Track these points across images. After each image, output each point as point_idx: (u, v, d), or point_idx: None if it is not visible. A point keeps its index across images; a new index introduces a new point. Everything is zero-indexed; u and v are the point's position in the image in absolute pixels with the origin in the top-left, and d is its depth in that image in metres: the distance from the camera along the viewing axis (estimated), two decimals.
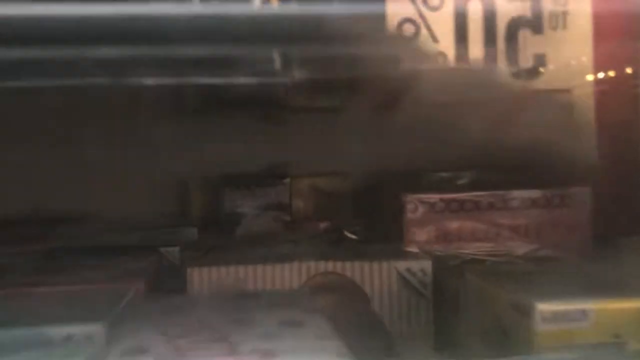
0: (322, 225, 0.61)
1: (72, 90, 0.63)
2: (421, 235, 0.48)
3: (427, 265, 0.34)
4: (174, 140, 0.67)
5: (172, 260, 0.45)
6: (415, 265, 0.34)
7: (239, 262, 0.35)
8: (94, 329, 0.23)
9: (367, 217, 0.62)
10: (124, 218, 0.63)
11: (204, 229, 0.62)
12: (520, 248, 0.45)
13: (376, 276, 0.34)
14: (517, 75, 0.54)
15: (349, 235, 0.56)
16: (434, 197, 0.49)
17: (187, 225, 0.57)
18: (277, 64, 0.57)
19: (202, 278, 0.34)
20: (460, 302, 0.33)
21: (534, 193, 0.49)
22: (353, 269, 0.34)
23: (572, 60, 0.53)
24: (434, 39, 0.50)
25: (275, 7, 0.48)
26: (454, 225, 0.49)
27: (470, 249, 0.47)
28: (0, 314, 0.25)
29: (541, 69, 0.53)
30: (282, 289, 0.32)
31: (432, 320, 0.34)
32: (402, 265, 0.34)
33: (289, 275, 0.34)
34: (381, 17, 0.50)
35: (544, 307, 0.24)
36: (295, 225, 0.62)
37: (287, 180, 0.63)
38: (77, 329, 0.23)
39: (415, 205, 0.49)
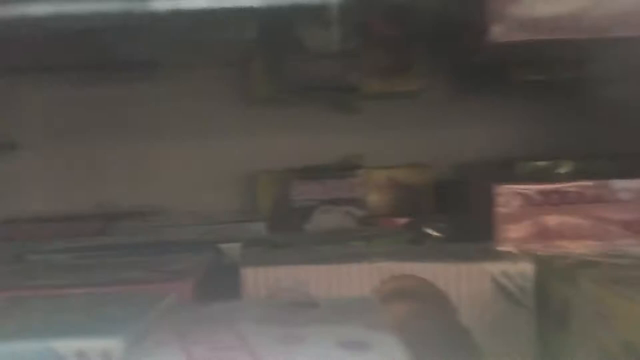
0: (401, 221, 0.56)
1: (130, 82, 0.62)
2: (516, 232, 0.42)
3: (527, 268, 0.28)
4: (242, 130, 0.63)
5: (233, 258, 0.41)
6: (513, 267, 0.28)
7: (300, 261, 0.30)
8: (111, 343, 0.19)
9: (452, 212, 0.57)
10: (189, 212, 0.60)
11: (273, 224, 0.58)
12: (636, 247, 0.38)
13: (464, 281, 0.28)
14: None
15: (431, 232, 0.50)
16: (530, 188, 0.42)
17: (254, 220, 0.53)
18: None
19: (257, 279, 0.29)
20: (570, 314, 0.26)
21: None
22: (436, 272, 0.28)
23: None
24: None
25: None
26: (553, 220, 0.42)
27: (575, 248, 0.40)
28: (14, 320, 0.21)
29: None
30: (348, 297, 0.26)
31: (534, 334, 0.28)
32: (496, 267, 0.28)
33: (357, 278, 0.28)
34: None
35: None
36: (370, 221, 0.57)
37: (361, 172, 0.57)
38: (90, 344, 0.19)
39: (509, 197, 0.43)
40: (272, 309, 0.20)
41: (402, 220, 0.56)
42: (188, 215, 0.60)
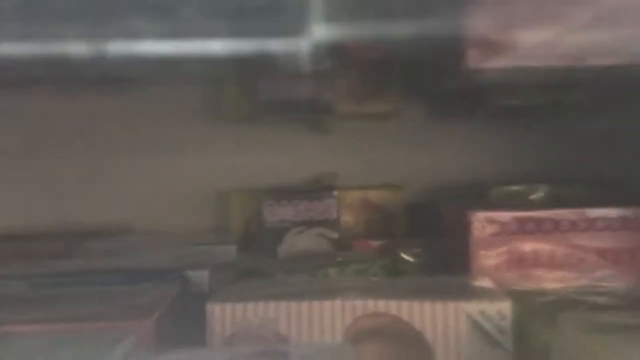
0: (375, 244, 0.55)
1: (102, 96, 0.60)
2: (490, 258, 0.41)
3: (505, 307, 0.27)
4: (214, 149, 0.62)
5: (200, 287, 0.39)
6: (490, 307, 0.27)
7: (270, 296, 0.29)
8: None
9: (426, 236, 0.56)
10: (157, 232, 0.59)
11: (244, 247, 0.56)
12: (615, 282, 0.37)
13: (440, 320, 0.27)
14: None
15: (406, 257, 0.49)
16: (505, 215, 0.42)
17: (225, 242, 0.52)
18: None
19: (224, 316, 0.28)
20: (553, 358, 0.26)
21: (626, 212, 0.42)
22: (411, 310, 0.27)
23: None
24: None
25: None
26: (528, 247, 0.42)
27: (551, 279, 0.39)
28: None
29: None
30: (319, 343, 0.25)
31: None
32: (474, 306, 0.27)
33: (330, 315, 0.27)
34: None
35: None
36: (344, 243, 0.56)
37: (335, 193, 0.56)
38: None
39: (484, 224, 0.42)
40: (237, 357, 0.19)
41: (376, 243, 0.55)
42: (156, 234, 0.58)
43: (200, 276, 0.40)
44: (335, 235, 0.56)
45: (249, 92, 0.57)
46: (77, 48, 0.44)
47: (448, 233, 0.49)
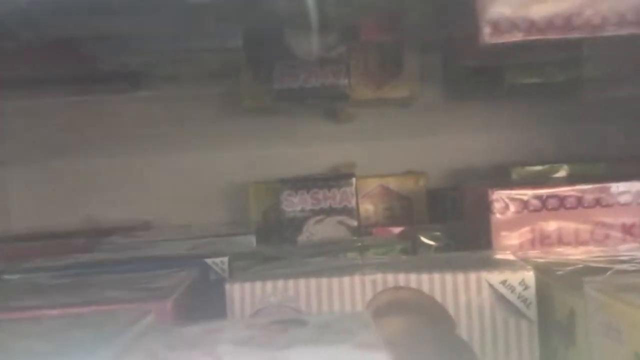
0: (395, 230, 0.54)
1: (123, 93, 0.60)
2: (513, 239, 0.41)
3: (528, 276, 0.27)
4: (231, 141, 0.62)
5: (220, 273, 0.39)
6: (513, 276, 0.26)
7: (289, 275, 0.28)
8: None
9: (447, 220, 0.55)
10: (179, 226, 0.59)
11: (264, 237, 0.56)
12: (637, 251, 0.36)
13: (462, 291, 0.26)
14: None
15: (427, 241, 0.48)
16: (526, 192, 0.41)
17: (245, 233, 0.52)
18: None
19: (243, 295, 0.28)
20: (576, 326, 0.25)
21: None
22: (432, 283, 0.26)
23: None
24: None
25: None
26: (552, 226, 0.41)
27: (575, 254, 0.38)
28: None
29: None
30: (338, 313, 0.25)
31: (538, 347, 0.26)
32: (496, 276, 0.26)
33: (350, 291, 0.27)
34: None
35: None
36: (364, 231, 0.55)
37: (353, 180, 0.56)
38: None
39: (505, 203, 0.41)
40: (256, 329, 0.19)
41: (396, 230, 0.54)
42: (177, 229, 0.58)
43: (221, 263, 0.40)
44: (354, 223, 0.56)
45: (264, 83, 0.57)
46: None
47: (469, 215, 0.48)
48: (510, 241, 0.41)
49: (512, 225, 0.41)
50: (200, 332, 0.19)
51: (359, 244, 0.46)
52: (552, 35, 0.43)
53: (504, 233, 0.41)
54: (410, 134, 0.62)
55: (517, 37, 0.43)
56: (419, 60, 0.57)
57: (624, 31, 0.43)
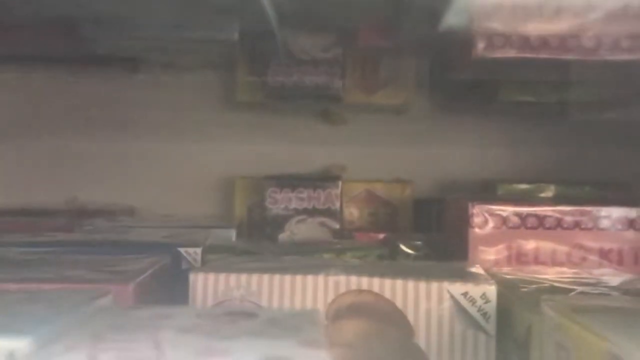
0: (377, 236, 0.54)
1: (113, 77, 0.60)
2: (490, 254, 0.41)
3: (490, 290, 0.27)
4: (222, 134, 0.62)
5: (192, 263, 0.39)
6: (475, 289, 0.26)
7: (255, 270, 0.28)
8: (18, 344, 0.17)
9: (431, 231, 0.55)
10: (162, 215, 0.59)
11: (245, 233, 0.56)
12: (613, 278, 0.36)
13: (423, 299, 0.26)
14: None
15: (406, 249, 0.48)
16: (506, 209, 0.41)
17: (226, 226, 0.52)
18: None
19: (207, 285, 0.28)
20: (533, 344, 0.25)
21: (631, 212, 0.41)
22: (394, 288, 0.26)
23: None
24: None
25: None
26: (530, 245, 0.41)
27: (548, 274, 0.38)
28: None
29: None
30: (292, 309, 0.25)
31: None
32: (458, 287, 0.26)
33: (312, 290, 0.27)
34: None
35: None
36: (346, 234, 0.55)
37: (339, 183, 0.56)
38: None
39: (485, 217, 0.41)
40: (205, 319, 0.19)
41: (380, 235, 0.54)
42: (160, 217, 0.58)
43: (194, 253, 0.39)
44: (336, 225, 0.56)
45: (259, 78, 0.57)
46: None
47: (450, 227, 0.48)
48: (487, 256, 0.41)
49: (490, 240, 0.41)
50: (149, 316, 0.19)
51: (338, 246, 0.46)
52: (545, 55, 0.43)
53: (481, 247, 0.41)
54: (401, 142, 0.61)
55: (510, 53, 0.43)
56: (414, 69, 0.57)
57: (618, 57, 0.43)
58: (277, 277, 0.27)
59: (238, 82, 0.58)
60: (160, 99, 0.62)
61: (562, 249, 0.41)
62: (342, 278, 0.27)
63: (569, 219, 0.41)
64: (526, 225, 0.41)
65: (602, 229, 0.41)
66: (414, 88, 0.57)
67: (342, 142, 0.62)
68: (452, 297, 0.26)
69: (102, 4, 0.47)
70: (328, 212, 0.55)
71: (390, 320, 0.26)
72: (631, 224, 0.41)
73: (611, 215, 0.41)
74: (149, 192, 0.63)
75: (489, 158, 0.60)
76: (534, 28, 0.43)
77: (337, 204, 0.55)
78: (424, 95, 0.60)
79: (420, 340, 0.26)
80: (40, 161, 0.64)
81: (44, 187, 0.63)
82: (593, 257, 0.41)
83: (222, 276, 0.27)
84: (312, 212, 0.55)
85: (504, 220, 0.41)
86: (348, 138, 0.62)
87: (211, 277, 0.28)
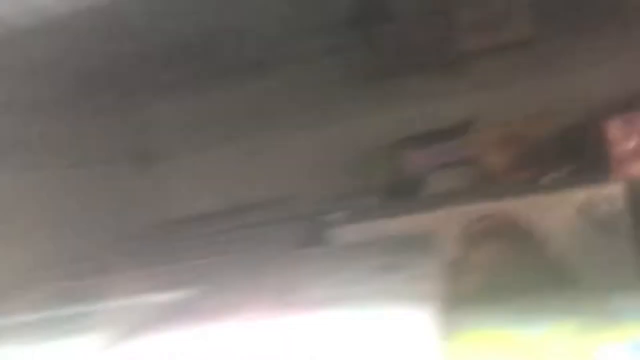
0: (520, 175, 0.54)
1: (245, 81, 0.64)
2: (635, 169, 0.39)
3: (616, 192, 0.26)
4: (349, 109, 0.64)
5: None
6: (599, 194, 0.26)
7: (389, 215, 0.30)
8: None
9: (574, 158, 0.53)
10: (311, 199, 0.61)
11: (388, 196, 0.58)
12: None
13: (548, 212, 0.27)
14: None
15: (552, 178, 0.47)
16: None
17: (367, 194, 0.54)
18: None
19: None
20: None
21: None
22: (517, 208, 0.27)
23: None
24: None
25: None
26: None
27: None
28: None
29: None
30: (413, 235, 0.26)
31: (633, 263, 0.26)
32: (580, 195, 0.26)
33: (445, 223, 0.28)
34: None
35: None
36: (488, 179, 0.55)
37: (475, 131, 0.56)
38: None
39: (627, 133, 0.40)
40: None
41: (522, 174, 0.54)
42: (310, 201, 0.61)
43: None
44: (479, 173, 0.56)
45: (374, 49, 0.58)
46: None
47: (592, 149, 0.47)
48: (632, 171, 0.39)
49: (634, 155, 0.39)
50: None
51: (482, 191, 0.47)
52: None
53: (625, 164, 0.39)
54: (530, 77, 0.59)
55: None
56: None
57: None
58: (406, 218, 0.29)
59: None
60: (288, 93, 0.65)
61: None
62: (472, 208, 0.28)
63: None
64: None
65: None
66: (534, 20, 0.55)
67: (470, 92, 0.61)
68: (577, 205, 0.26)
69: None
70: (468, 162, 0.56)
71: (519, 238, 0.27)
72: None
73: None
74: (294, 180, 0.66)
75: (629, 73, 0.56)
76: None
77: (477, 153, 0.55)
78: (544, 25, 0.57)
79: (554, 251, 0.26)
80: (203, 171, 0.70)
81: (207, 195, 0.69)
82: None
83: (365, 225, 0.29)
84: (452, 165, 0.56)
85: None
86: (475, 86, 0.61)
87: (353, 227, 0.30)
